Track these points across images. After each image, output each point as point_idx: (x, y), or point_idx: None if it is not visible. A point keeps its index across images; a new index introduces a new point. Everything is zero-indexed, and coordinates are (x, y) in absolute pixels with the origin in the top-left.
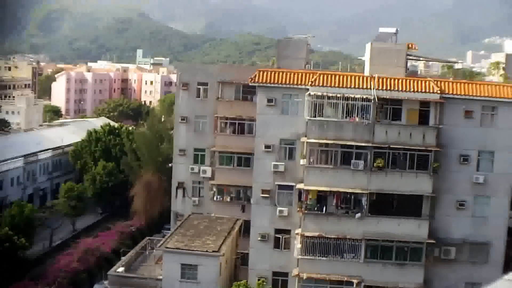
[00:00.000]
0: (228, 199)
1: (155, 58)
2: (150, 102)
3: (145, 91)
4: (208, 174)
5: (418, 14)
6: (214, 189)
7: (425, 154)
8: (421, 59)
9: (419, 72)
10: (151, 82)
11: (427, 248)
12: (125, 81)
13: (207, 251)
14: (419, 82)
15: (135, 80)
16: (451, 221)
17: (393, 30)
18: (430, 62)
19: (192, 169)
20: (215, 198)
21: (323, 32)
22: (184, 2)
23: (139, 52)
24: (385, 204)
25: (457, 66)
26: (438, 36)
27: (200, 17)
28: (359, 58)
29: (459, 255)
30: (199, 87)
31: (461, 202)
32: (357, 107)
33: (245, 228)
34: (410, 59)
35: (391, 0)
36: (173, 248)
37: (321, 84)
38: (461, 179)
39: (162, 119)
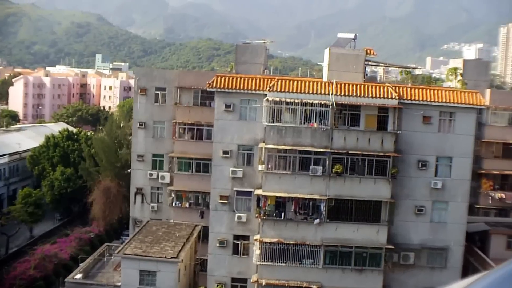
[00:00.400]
0: (187, 205)
1: (114, 63)
2: (109, 107)
3: (104, 96)
4: (167, 180)
5: (377, 20)
6: (173, 195)
7: (383, 159)
8: (380, 64)
9: (379, 78)
10: (110, 87)
11: (386, 253)
12: (84, 86)
13: (165, 257)
14: (378, 87)
15: (94, 85)
16: (409, 226)
17: (351, 35)
18: (390, 68)
19: (151, 175)
20: (173, 204)
21: (283, 38)
22: (142, 7)
23: (98, 57)
24: (343, 210)
25: (416, 72)
26: (397, 42)
27: (159, 22)
28: (318, 63)
29: (417, 260)
30: (157, 92)
31: (419, 208)
32: (316, 113)
33: (204, 234)
34: (368, 64)
35: (350, 5)
36: (132, 255)
37: (279, 90)
38: (420, 185)
39: (121, 125)
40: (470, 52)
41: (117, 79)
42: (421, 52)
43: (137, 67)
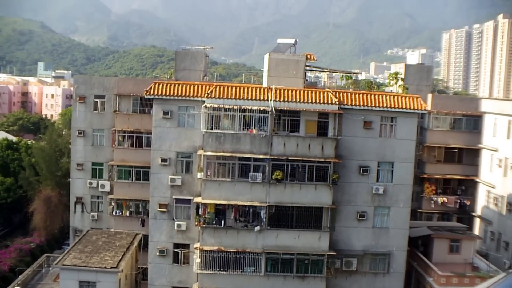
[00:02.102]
0: (128, 214)
1: (57, 71)
2: (52, 115)
3: (46, 105)
4: (107, 189)
5: (321, 26)
6: (113, 204)
7: (324, 165)
8: (322, 70)
9: (322, 84)
10: (52, 96)
11: (328, 260)
12: (25, 94)
13: (105, 267)
14: (318, 93)
15: (35, 93)
16: (352, 232)
17: (291, 41)
18: (334, 73)
19: (91, 183)
20: (114, 213)
21: (227, 44)
22: (86, 14)
23: (40, 65)
24: (284, 217)
25: (360, 77)
26: (341, 47)
27: (102, 29)
28: (262, 69)
29: (360, 266)
30: (96, 100)
31: (361, 213)
32: (255, 119)
33: (145, 243)
34: (308, 70)
35: (293, 12)
36: (70, 265)
37: (217, 96)
38: (361, 190)
39: (63, 133)
40: (414, 57)
41: (59, 87)
42: (365, 57)
43: (76, 75)
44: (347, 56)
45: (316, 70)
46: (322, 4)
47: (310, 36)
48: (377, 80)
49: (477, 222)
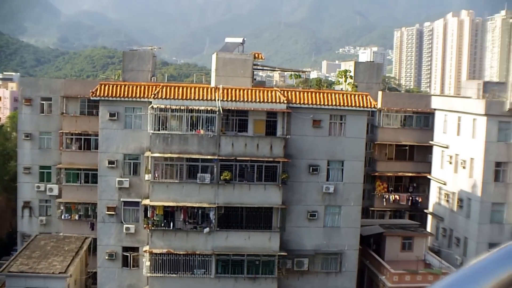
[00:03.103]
0: (77, 217)
1: (5, 73)
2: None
3: None
4: (55, 192)
5: (272, 25)
6: (62, 208)
7: (273, 165)
8: (272, 69)
9: (274, 83)
10: (0, 98)
11: (279, 260)
12: None
13: (53, 272)
14: (266, 92)
15: None
16: (302, 232)
17: (239, 40)
18: (286, 72)
19: (38, 187)
20: (63, 217)
21: (179, 45)
22: (34, 15)
23: None
24: (234, 218)
25: (312, 75)
26: (293, 46)
27: (52, 31)
28: None
29: (312, 266)
30: (42, 102)
31: (312, 213)
32: (202, 119)
33: (95, 246)
34: (259, 69)
35: (244, 11)
36: (17, 272)
37: (164, 97)
38: (311, 190)
39: (11, 136)
40: (365, 55)
41: (6, 89)
42: (317, 56)
43: (23, 77)
44: (299, 55)
45: (265, 69)
46: (273, 3)
47: (261, 35)
48: (329, 79)
49: (429, 219)
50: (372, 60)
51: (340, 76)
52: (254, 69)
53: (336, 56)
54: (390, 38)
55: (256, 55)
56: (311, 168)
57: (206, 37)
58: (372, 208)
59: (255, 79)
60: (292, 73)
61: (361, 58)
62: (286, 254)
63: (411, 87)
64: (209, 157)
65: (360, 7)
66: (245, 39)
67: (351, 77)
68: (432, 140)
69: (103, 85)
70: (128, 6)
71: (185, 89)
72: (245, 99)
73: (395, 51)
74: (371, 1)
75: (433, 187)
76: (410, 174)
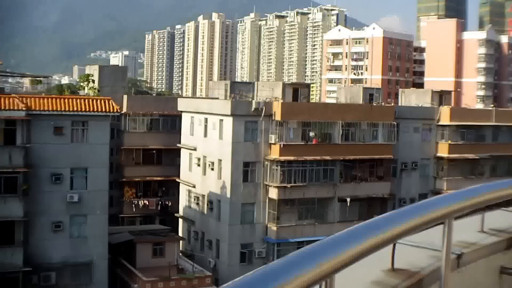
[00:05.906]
0: None
1: None
2: None
3: None
4: None
5: (23, 29)
6: None
7: (13, 176)
8: (8, 74)
9: (24, 90)
10: None
11: (24, 276)
12: None
13: None
14: (3, 99)
15: None
16: (48, 244)
17: None
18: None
19: None
20: None
21: None
22: None
23: None
24: None
25: (63, 81)
26: (45, 51)
27: None
28: None
29: (60, 279)
30: None
31: (57, 224)
32: None
33: None
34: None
35: None
36: None
37: None
38: (55, 200)
39: None
40: (116, 59)
41: None
42: (68, 61)
43: None
44: (50, 61)
45: (3, 75)
46: (25, 7)
47: (12, 40)
48: (80, 84)
49: (181, 223)
50: (124, 64)
51: (82, 80)
52: None
53: (88, 60)
54: (142, 42)
55: None
56: (53, 177)
57: None
58: (122, 215)
59: None
60: (34, 79)
61: (112, 61)
62: (31, 269)
63: (164, 90)
64: None
65: (112, 11)
66: None
67: (93, 81)
68: (179, 143)
69: None
70: None
71: None
72: None
73: (146, 54)
74: (125, 5)
75: (183, 190)
76: (158, 178)
